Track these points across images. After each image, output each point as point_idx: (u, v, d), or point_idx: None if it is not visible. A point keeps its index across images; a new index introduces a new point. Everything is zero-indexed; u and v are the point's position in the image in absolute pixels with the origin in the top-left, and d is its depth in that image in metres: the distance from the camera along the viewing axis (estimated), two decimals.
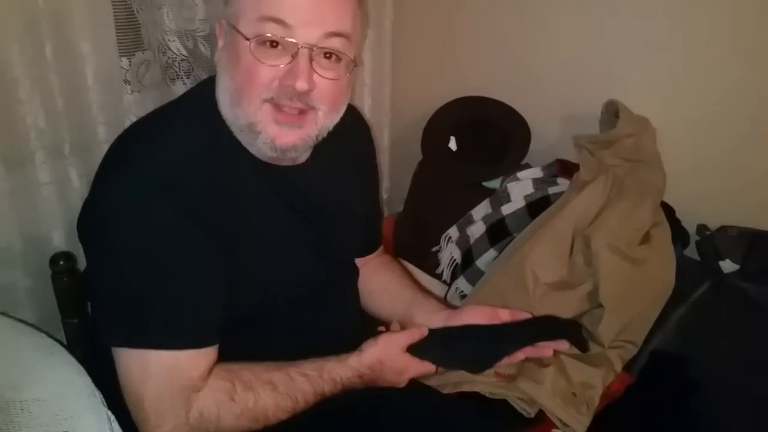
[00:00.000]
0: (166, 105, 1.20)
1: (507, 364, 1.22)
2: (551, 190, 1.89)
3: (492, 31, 2.24)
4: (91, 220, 1.08)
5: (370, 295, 1.46)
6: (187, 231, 1.02)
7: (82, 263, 1.30)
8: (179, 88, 1.94)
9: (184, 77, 1.95)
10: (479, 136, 2.19)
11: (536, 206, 1.87)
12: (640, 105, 1.82)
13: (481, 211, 2.04)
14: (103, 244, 1.04)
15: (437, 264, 2.12)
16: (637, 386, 1.63)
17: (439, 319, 1.29)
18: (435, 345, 1.20)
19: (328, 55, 1.05)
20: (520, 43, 2.17)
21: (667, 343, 1.65)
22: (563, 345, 1.23)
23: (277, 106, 1.04)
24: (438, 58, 2.41)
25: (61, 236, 1.79)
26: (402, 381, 1.20)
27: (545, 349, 1.21)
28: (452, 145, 2.21)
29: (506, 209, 1.94)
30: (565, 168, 1.93)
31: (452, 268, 2.05)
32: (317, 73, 1.03)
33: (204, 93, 1.14)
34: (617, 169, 1.73)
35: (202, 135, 1.09)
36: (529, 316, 1.27)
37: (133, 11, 1.78)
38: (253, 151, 1.11)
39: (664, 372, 1.62)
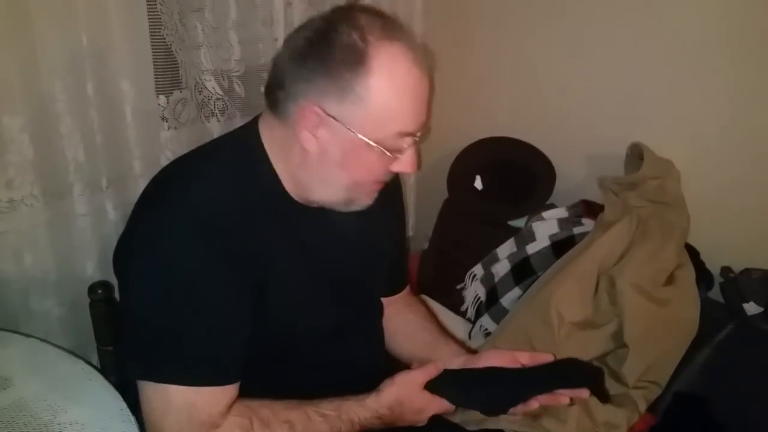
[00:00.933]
0: (206, 146, 1.24)
1: (521, 411, 1.20)
2: (576, 230, 1.91)
3: (518, 73, 2.29)
4: (125, 254, 1.10)
5: (391, 336, 1.46)
6: (219, 270, 1.04)
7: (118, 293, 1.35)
8: (214, 126, 2.01)
9: (218, 115, 2.01)
10: (505, 176, 2.22)
11: (561, 246, 1.89)
12: (664, 147, 1.84)
13: (506, 249, 2.06)
14: (135, 279, 1.07)
15: (462, 301, 2.13)
16: (661, 427, 1.63)
17: (458, 363, 1.29)
18: (451, 383, 1.20)
19: None
20: (546, 85, 2.22)
21: (690, 385, 1.65)
22: (583, 393, 1.19)
23: (379, 183, 1.16)
24: (464, 98, 2.46)
25: (95, 266, 1.83)
26: (422, 420, 1.20)
27: (562, 397, 1.18)
28: (478, 184, 2.24)
29: (531, 248, 1.97)
30: (590, 208, 1.95)
31: (477, 305, 2.06)
32: None
33: (246, 138, 1.17)
34: (642, 211, 1.75)
35: (240, 177, 1.12)
36: (551, 358, 1.24)
37: (171, 51, 1.85)
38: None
39: (687, 413, 1.62)
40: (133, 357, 1.07)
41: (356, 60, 1.01)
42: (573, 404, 1.48)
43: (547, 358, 1.25)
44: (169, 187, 1.11)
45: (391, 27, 1.06)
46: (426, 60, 1.08)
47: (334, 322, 1.25)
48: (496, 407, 1.20)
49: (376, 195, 1.18)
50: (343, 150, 1.07)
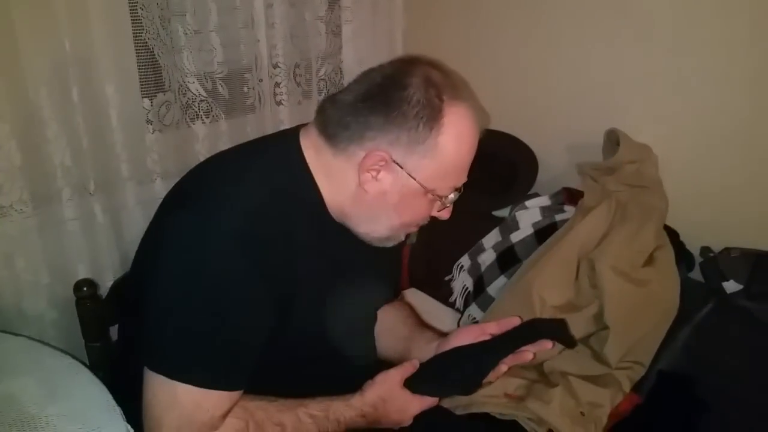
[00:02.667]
0: (245, 151, 1.25)
1: (494, 378, 1.25)
2: (558, 217, 1.94)
3: (497, 66, 2.32)
4: (160, 249, 1.09)
5: (376, 335, 1.49)
6: (253, 283, 1.06)
7: (104, 290, 1.37)
8: (199, 127, 2.03)
9: (203, 117, 2.03)
10: (488, 168, 2.23)
11: (544, 233, 1.91)
12: (643, 132, 1.87)
13: (491, 239, 2.09)
14: (167, 274, 1.07)
15: (450, 293, 2.15)
16: (645, 406, 1.65)
17: (431, 348, 1.34)
18: (428, 377, 1.24)
19: None
20: (525, 77, 2.25)
21: (673, 364, 1.67)
22: (546, 345, 1.24)
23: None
24: None
25: (86, 269, 1.85)
26: (406, 419, 1.24)
27: (525, 354, 1.23)
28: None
29: (515, 237, 1.99)
30: (572, 196, 1.97)
31: (465, 296, 2.08)
32: None
33: (287, 152, 1.18)
34: (620, 195, 1.77)
35: (283, 191, 1.13)
36: (518, 321, 1.29)
37: (154, 55, 1.88)
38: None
39: (671, 392, 1.64)
40: (149, 348, 1.08)
41: (433, 117, 1.09)
42: (557, 384, 1.52)
43: (513, 321, 1.29)
44: (213, 190, 1.12)
45: (459, 87, 1.14)
46: (482, 120, 1.17)
47: (343, 334, 1.27)
48: (469, 385, 1.23)
49: None
50: (402, 195, 1.13)
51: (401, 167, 1.10)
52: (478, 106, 1.17)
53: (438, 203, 1.17)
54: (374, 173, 1.11)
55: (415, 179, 1.11)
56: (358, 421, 1.20)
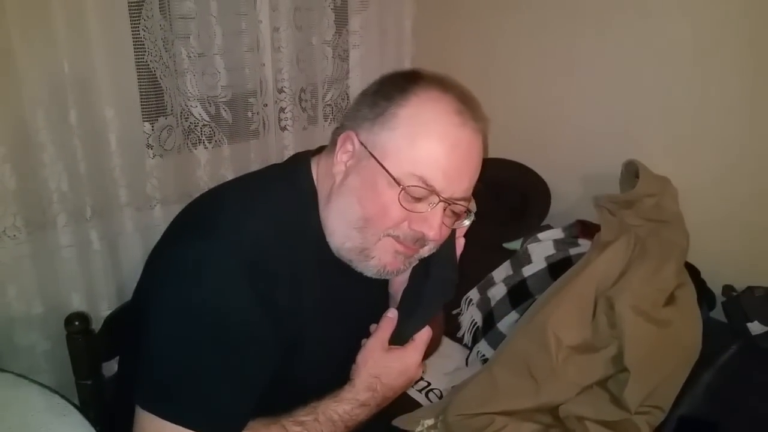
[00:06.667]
0: (259, 178, 1.19)
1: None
2: (572, 251, 1.87)
3: (510, 94, 2.26)
4: (161, 283, 1.04)
5: None
6: (258, 317, 1.00)
7: (96, 324, 1.30)
8: (201, 153, 1.97)
9: (206, 142, 1.98)
10: (499, 198, 2.18)
11: (557, 267, 1.85)
12: (660, 164, 1.81)
13: (501, 272, 2.02)
14: (168, 306, 1.01)
15: (458, 327, 2.08)
16: None
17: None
18: (408, 317, 1.14)
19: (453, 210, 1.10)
20: (538, 105, 2.19)
21: (695, 409, 1.58)
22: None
23: (398, 240, 1.06)
24: None
25: (81, 298, 1.79)
26: (414, 374, 1.15)
27: (459, 240, 1.19)
28: (472, 206, 2.20)
29: (527, 271, 1.92)
30: (586, 229, 1.91)
31: (473, 331, 2.01)
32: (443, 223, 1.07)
33: (297, 180, 1.13)
34: (639, 230, 1.70)
35: (290, 224, 1.08)
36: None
37: (156, 78, 1.82)
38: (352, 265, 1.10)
39: None
40: (141, 384, 1.01)
41: (399, 91, 1.04)
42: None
43: None
44: (222, 218, 1.05)
45: (449, 83, 1.08)
46: (477, 120, 1.06)
47: (343, 376, 1.18)
48: (446, 292, 1.18)
49: (402, 262, 1.09)
50: (363, 178, 1.04)
51: (363, 145, 1.05)
52: (472, 102, 1.08)
53: (409, 200, 1.01)
54: (343, 156, 1.07)
55: (374, 156, 1.02)
56: (362, 412, 1.10)
